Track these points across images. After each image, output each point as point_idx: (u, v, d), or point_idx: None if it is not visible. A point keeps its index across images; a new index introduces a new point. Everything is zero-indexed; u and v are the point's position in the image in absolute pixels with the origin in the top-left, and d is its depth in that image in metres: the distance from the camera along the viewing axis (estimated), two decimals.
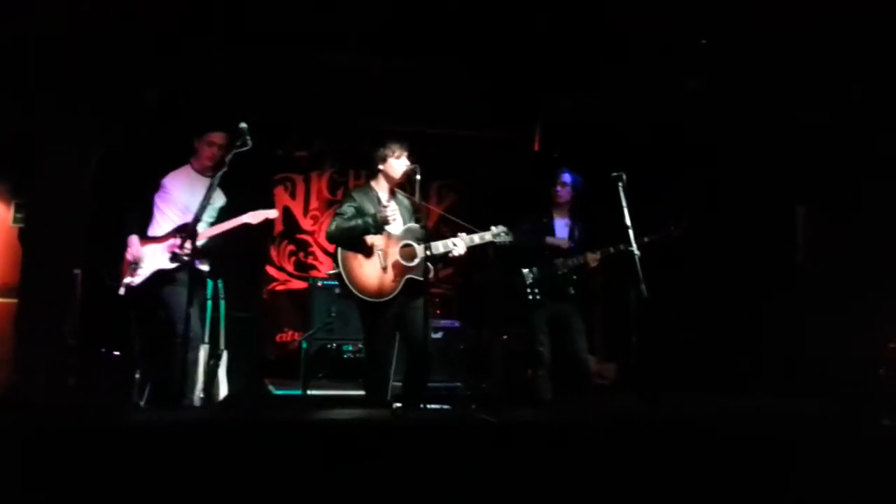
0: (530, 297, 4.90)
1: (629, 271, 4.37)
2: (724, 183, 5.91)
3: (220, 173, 4.12)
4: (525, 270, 4.94)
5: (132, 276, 4.35)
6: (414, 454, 2.86)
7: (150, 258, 4.36)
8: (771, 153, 5.69)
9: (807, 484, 2.86)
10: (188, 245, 4.10)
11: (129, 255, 4.37)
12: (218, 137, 4.49)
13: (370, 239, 4.27)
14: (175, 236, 4.28)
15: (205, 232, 4.41)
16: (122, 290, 4.37)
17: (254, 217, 4.53)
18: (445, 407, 4.88)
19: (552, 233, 5.12)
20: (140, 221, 4.45)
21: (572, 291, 4.92)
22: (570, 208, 5.18)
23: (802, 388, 5.00)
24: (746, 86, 5.62)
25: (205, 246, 4.43)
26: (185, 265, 4.18)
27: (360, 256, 4.26)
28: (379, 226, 4.23)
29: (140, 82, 5.76)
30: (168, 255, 4.30)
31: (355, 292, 4.20)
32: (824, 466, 2.89)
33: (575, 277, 4.93)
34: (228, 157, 4.11)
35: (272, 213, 4.62)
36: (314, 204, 7.88)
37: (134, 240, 4.38)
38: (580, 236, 5.11)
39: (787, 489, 2.86)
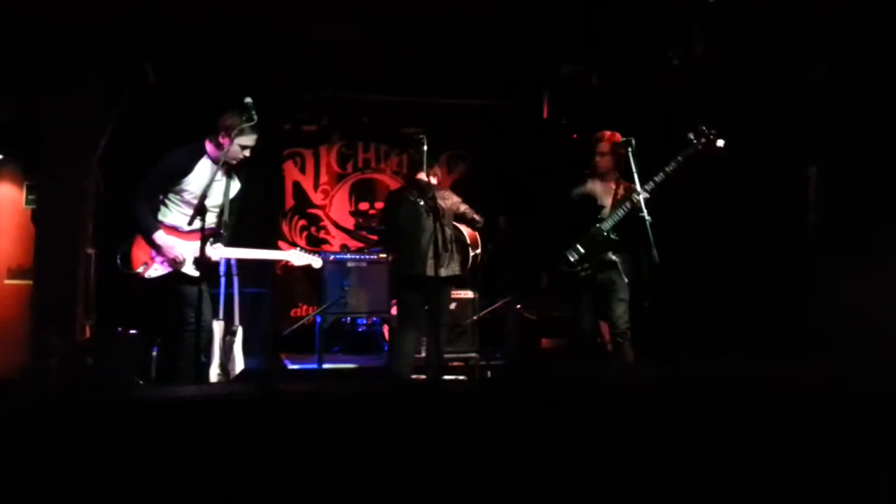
0: (581, 273, 4.82)
1: (641, 237, 4.35)
2: (733, 145, 5.84)
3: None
4: (567, 252, 4.84)
5: (148, 267, 4.29)
6: (431, 425, 2.89)
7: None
8: (781, 113, 5.60)
9: (818, 442, 2.86)
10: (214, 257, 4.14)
11: (172, 255, 4.21)
12: (251, 140, 4.25)
13: None
14: (203, 239, 3.99)
15: (243, 254, 4.39)
16: (147, 273, 4.30)
17: (298, 259, 4.57)
18: (461, 378, 4.90)
19: (594, 202, 5.05)
20: (153, 213, 4.31)
21: (612, 256, 4.84)
22: (613, 173, 5.05)
23: (814, 349, 4.99)
24: (755, 45, 5.52)
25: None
26: (206, 273, 4.09)
27: None
28: None
29: (142, 58, 5.72)
30: (192, 261, 4.22)
31: None
32: (835, 425, 2.90)
33: (616, 238, 4.83)
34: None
35: (317, 263, 4.62)
36: (324, 178, 7.87)
37: (165, 238, 4.22)
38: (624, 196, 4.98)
39: (800, 451, 2.87)
